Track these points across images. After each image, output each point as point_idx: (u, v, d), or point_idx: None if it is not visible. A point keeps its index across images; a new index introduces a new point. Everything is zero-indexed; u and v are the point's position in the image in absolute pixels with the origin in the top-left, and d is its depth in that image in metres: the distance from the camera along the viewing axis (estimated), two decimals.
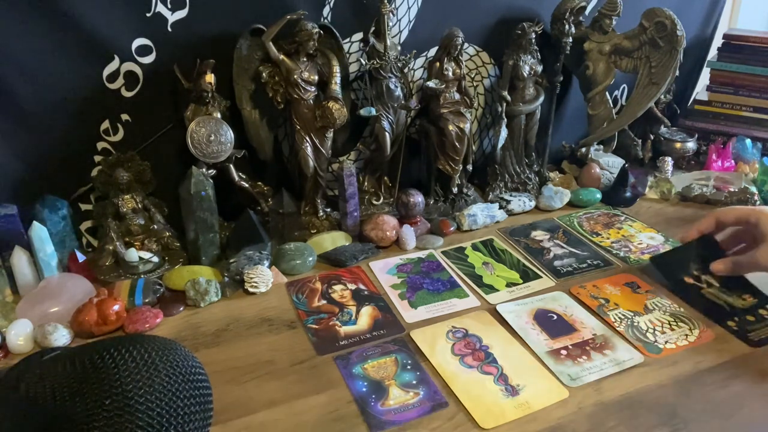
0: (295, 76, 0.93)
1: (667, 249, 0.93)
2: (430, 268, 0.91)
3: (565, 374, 0.68)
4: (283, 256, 0.90)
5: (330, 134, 0.99)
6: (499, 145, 1.10)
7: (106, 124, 0.91)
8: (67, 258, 0.87)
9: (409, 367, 0.70)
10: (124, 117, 0.92)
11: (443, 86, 1.00)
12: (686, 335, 0.74)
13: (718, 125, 1.27)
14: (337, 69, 0.96)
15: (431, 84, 1.00)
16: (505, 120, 1.09)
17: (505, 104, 1.08)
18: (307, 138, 0.97)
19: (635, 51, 1.11)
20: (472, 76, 1.13)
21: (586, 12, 1.13)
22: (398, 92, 1.01)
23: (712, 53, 1.30)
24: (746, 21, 1.64)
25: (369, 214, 1.03)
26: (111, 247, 0.89)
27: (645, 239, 0.97)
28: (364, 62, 0.99)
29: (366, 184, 1.08)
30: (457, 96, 1.03)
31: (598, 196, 1.11)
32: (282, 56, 0.93)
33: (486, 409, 0.63)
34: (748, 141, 1.20)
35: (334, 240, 0.96)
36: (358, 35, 1.01)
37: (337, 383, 0.67)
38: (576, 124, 1.24)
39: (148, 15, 0.87)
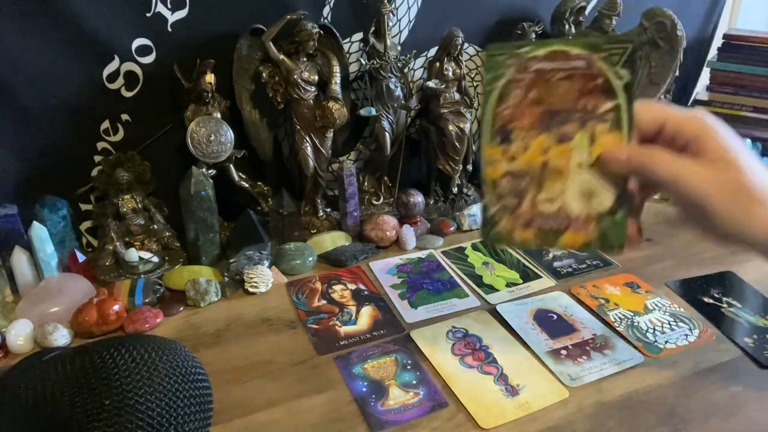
0: (295, 76, 0.93)
1: None
2: (430, 268, 0.91)
3: (565, 374, 0.68)
4: (283, 256, 0.90)
5: (330, 134, 0.99)
6: None
7: (106, 124, 0.91)
8: (67, 258, 0.87)
9: (409, 367, 0.70)
10: (124, 117, 0.92)
11: (443, 86, 1.00)
12: (686, 335, 0.74)
13: None
14: (337, 69, 0.96)
15: (431, 84, 1.00)
16: None
17: None
18: (307, 138, 0.97)
19: (635, 51, 1.10)
20: (472, 76, 1.13)
21: (586, 12, 1.13)
22: (398, 92, 1.01)
23: (712, 53, 1.29)
24: (746, 21, 1.64)
25: (369, 214, 1.03)
26: (111, 247, 0.89)
27: None
28: (364, 62, 0.99)
29: (366, 184, 1.08)
30: (457, 96, 1.03)
31: None
32: (282, 56, 0.93)
33: (486, 409, 0.63)
34: (748, 141, 1.20)
35: (334, 240, 0.96)
36: (358, 35, 1.01)
37: (337, 383, 0.67)
38: None
39: (148, 15, 0.87)
